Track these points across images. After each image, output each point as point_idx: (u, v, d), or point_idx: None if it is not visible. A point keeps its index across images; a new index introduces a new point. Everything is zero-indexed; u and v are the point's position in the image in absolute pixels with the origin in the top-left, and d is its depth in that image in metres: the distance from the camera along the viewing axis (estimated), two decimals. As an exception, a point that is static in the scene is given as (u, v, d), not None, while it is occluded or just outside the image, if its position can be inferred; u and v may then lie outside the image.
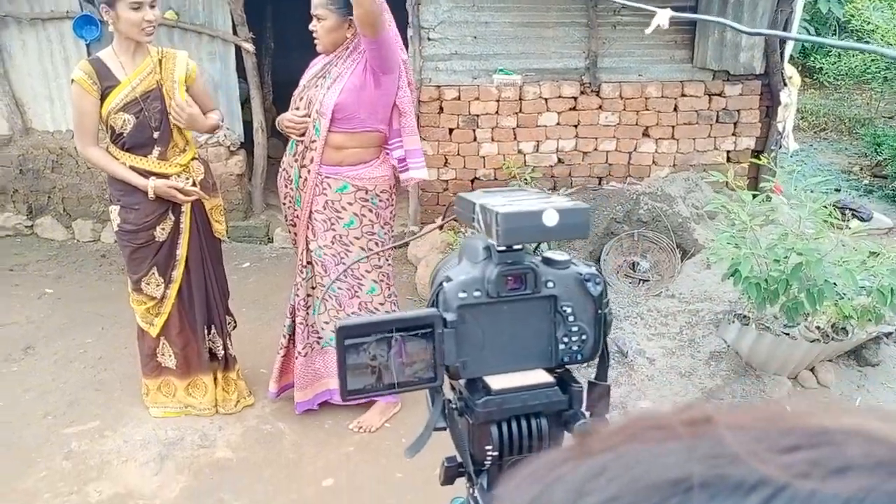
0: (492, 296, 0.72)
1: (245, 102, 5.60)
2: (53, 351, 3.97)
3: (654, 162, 5.31)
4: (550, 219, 0.69)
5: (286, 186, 3.03)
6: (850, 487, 0.24)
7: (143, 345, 3.20)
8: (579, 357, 0.76)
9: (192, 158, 3.03)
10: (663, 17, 1.70)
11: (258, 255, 5.41)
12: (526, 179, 5.04)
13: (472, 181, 5.34)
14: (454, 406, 0.76)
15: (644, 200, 4.90)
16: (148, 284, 3.03)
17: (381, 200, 2.93)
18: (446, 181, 5.33)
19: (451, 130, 5.20)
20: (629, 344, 3.81)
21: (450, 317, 0.71)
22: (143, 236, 2.95)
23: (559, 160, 5.32)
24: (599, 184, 5.35)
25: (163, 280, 3.04)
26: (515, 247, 0.72)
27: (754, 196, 3.65)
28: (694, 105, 5.19)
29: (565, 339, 0.75)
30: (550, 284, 0.74)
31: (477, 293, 0.72)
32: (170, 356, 3.18)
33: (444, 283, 0.73)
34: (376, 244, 2.96)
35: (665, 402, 3.50)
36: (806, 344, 3.43)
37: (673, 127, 5.24)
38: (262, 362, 3.76)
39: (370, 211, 2.92)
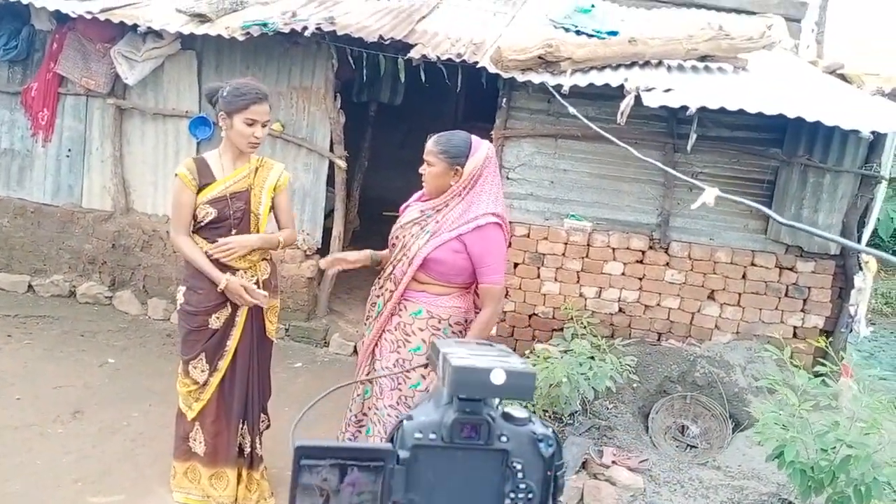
0: (446, 441, 0.78)
1: (329, 213, 5.91)
2: (100, 419, 4.12)
3: (716, 326, 5.24)
4: (498, 377, 0.76)
5: (370, 311, 3.08)
6: None
7: (180, 427, 3.30)
8: (524, 516, 0.80)
9: (262, 259, 3.22)
10: (710, 195, 1.78)
11: (312, 357, 5.53)
12: (584, 324, 5.05)
13: (531, 316, 5.38)
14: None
15: (701, 363, 4.81)
16: (194, 368, 3.16)
17: (453, 332, 2.90)
18: (504, 312, 5.39)
19: (515, 265, 5.32)
20: (664, 512, 3.64)
21: (403, 454, 0.77)
22: (198, 320, 3.11)
23: (620, 309, 5.32)
24: (658, 339, 5.30)
25: (208, 367, 3.17)
26: (475, 397, 0.79)
27: (815, 376, 3.54)
28: (763, 276, 5.15)
29: (512, 495, 0.79)
30: (504, 439, 0.79)
31: (433, 436, 0.78)
32: (200, 443, 3.26)
33: (405, 422, 0.79)
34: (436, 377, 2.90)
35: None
36: (853, 544, 3.20)
37: (739, 294, 5.19)
38: (290, 463, 3.77)
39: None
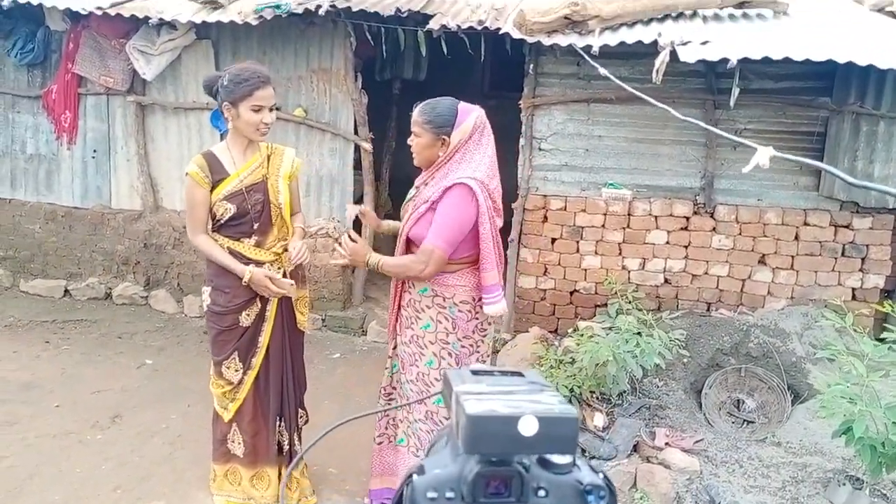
0: (467, 500, 0.61)
1: (359, 198, 5.76)
2: (139, 422, 4.07)
3: (769, 292, 4.96)
4: (528, 427, 0.58)
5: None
6: None
7: (217, 429, 3.21)
8: (573, 585, 0.63)
9: (286, 249, 3.08)
10: (764, 155, 1.56)
11: (350, 347, 5.42)
12: (629, 298, 4.83)
13: (572, 293, 5.18)
14: None
15: (755, 333, 4.57)
16: (228, 368, 3.06)
17: (461, 311, 2.81)
18: (544, 290, 5.20)
19: (553, 240, 5.11)
20: (723, 494, 3.44)
21: (414, 520, 0.60)
22: (228, 319, 3.00)
23: (666, 280, 5.08)
24: (708, 310, 5.05)
25: (242, 366, 3.06)
26: (499, 455, 0.61)
27: (879, 342, 3.29)
28: (817, 235, 4.85)
29: (557, 562, 0.62)
30: (542, 493, 0.62)
31: (450, 494, 0.61)
32: (239, 444, 3.16)
33: (414, 477, 0.62)
34: (449, 354, 2.85)
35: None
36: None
37: (793, 257, 4.90)
38: (331, 461, 3.69)
39: (446, 319, 2.82)
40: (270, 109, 2.85)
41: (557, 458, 0.64)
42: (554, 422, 0.59)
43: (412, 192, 2.91)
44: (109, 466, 3.63)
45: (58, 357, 4.88)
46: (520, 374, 0.68)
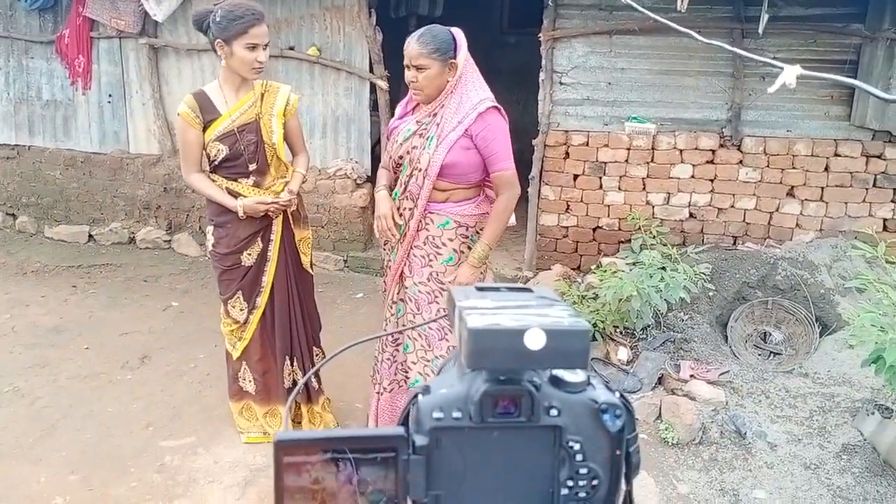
0: (475, 420, 0.58)
1: (378, 142, 5.69)
2: (167, 363, 4.13)
3: (797, 225, 4.86)
4: (534, 341, 0.54)
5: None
6: None
7: (229, 367, 3.27)
8: (588, 507, 0.60)
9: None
10: (791, 74, 1.47)
11: (373, 287, 5.43)
12: (653, 233, 4.76)
13: (595, 229, 5.11)
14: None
15: (782, 266, 4.49)
16: (233, 307, 3.09)
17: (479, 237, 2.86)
18: (566, 227, 5.14)
19: (575, 177, 5.02)
20: (749, 424, 3.44)
21: (420, 440, 0.58)
22: (230, 259, 3.01)
23: (691, 215, 4.99)
24: (734, 244, 4.96)
25: (247, 305, 3.09)
26: (503, 369, 0.58)
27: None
28: (848, 166, 4.71)
29: (570, 483, 0.59)
30: (554, 412, 0.59)
31: (457, 414, 0.58)
32: (250, 381, 3.21)
33: (420, 397, 0.59)
34: None
35: (784, 494, 3.11)
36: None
37: (822, 188, 4.78)
38: (358, 396, 3.72)
39: (469, 248, 2.85)
40: (264, 48, 2.78)
41: (570, 377, 0.60)
42: (563, 335, 0.55)
43: (410, 127, 2.80)
44: (140, 405, 3.70)
45: (85, 301, 4.95)
46: (528, 290, 0.65)
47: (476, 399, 0.57)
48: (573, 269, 5.10)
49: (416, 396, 0.60)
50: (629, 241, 4.93)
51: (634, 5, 3.80)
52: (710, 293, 4.37)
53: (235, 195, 2.93)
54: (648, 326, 4.19)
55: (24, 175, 6.10)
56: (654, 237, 4.71)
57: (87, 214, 6.02)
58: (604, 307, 4.08)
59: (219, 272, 3.09)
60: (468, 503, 0.60)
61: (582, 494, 0.60)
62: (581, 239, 5.15)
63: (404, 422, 0.60)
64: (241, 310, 3.10)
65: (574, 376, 0.61)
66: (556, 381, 0.60)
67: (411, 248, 2.89)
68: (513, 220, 2.96)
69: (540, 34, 4.89)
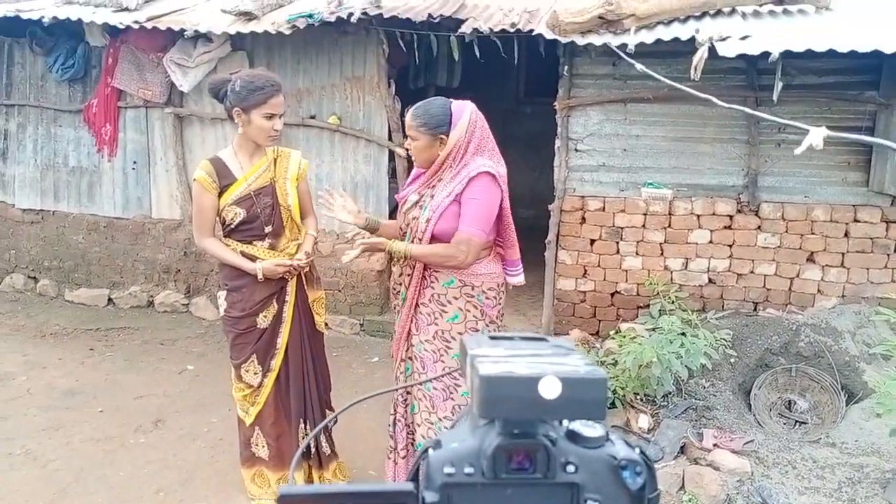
0: (488, 476, 0.56)
1: (395, 208, 5.75)
2: (180, 426, 4.09)
3: (819, 291, 4.80)
4: (550, 389, 0.53)
5: (395, 300, 3.04)
6: None
7: (241, 433, 3.22)
8: (608, 569, 0.57)
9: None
10: (817, 135, 1.48)
11: (388, 351, 5.35)
12: (671, 299, 4.71)
13: (613, 294, 5.08)
14: None
15: (805, 332, 4.41)
16: (247, 371, 3.06)
17: (487, 298, 2.86)
18: (584, 292, 5.11)
19: (592, 242, 5.02)
20: (775, 496, 3.31)
21: (430, 497, 0.56)
22: (245, 322, 3.00)
23: (710, 280, 4.95)
24: (755, 310, 4.90)
25: (261, 368, 3.07)
26: (517, 419, 0.56)
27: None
28: (868, 232, 4.68)
29: (589, 545, 0.56)
30: (571, 468, 0.57)
31: (469, 470, 0.56)
32: (263, 447, 3.16)
33: (430, 452, 0.57)
34: None
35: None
36: None
37: (843, 254, 4.73)
38: (372, 464, 3.65)
39: (475, 307, 2.84)
40: (280, 116, 2.87)
41: (588, 432, 0.58)
42: (579, 383, 0.54)
43: (412, 198, 2.87)
44: (152, 469, 3.65)
45: (101, 364, 4.95)
46: (543, 339, 0.63)
47: (489, 453, 0.56)
48: (591, 334, 5.04)
49: (426, 451, 0.58)
50: (647, 306, 4.88)
51: (648, 71, 3.89)
52: (732, 360, 4.29)
53: (251, 258, 2.96)
54: (669, 394, 4.11)
55: (48, 239, 6.21)
56: (672, 302, 4.67)
57: (107, 278, 6.09)
58: (623, 373, 4.01)
59: (232, 336, 3.07)
60: (481, 565, 0.57)
61: (601, 557, 0.57)
62: (599, 304, 5.11)
63: (414, 477, 0.58)
64: (255, 373, 3.08)
65: (592, 431, 0.59)
66: (574, 436, 0.58)
67: (416, 306, 2.90)
68: (522, 280, 3.02)
69: (555, 103, 4.98)
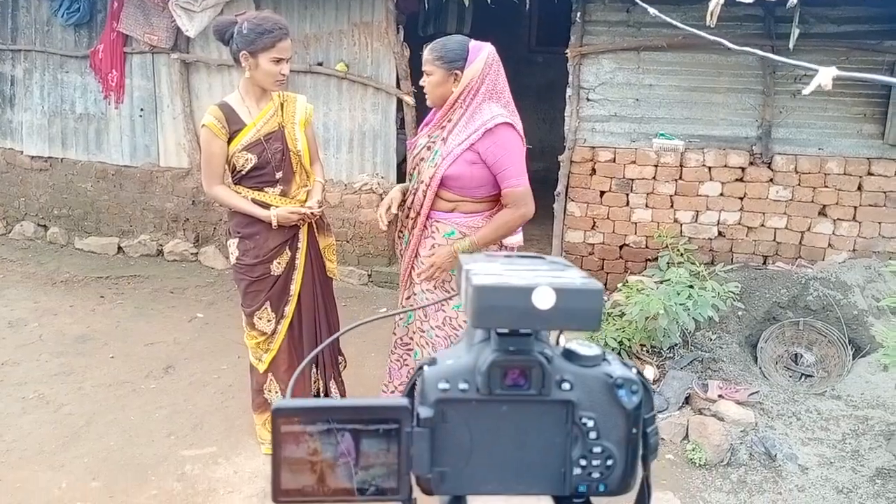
0: (483, 392, 0.55)
1: (403, 160, 5.70)
2: (190, 373, 4.14)
3: (829, 245, 4.76)
4: (544, 300, 0.52)
5: (398, 244, 3.04)
6: None
7: (253, 380, 3.25)
8: (601, 488, 0.57)
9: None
10: (826, 75, 1.44)
11: (396, 302, 5.40)
12: (680, 251, 4.69)
13: (621, 247, 5.06)
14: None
15: (814, 286, 4.39)
16: (260, 319, 3.07)
17: (487, 251, 2.81)
18: (592, 245, 5.09)
19: (601, 193, 4.98)
20: (779, 446, 3.34)
21: (424, 412, 0.55)
22: (259, 269, 3.00)
23: (720, 233, 4.92)
24: (764, 263, 4.87)
25: (274, 315, 3.07)
26: (522, 329, 0.55)
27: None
28: (882, 185, 4.61)
29: (583, 462, 0.56)
30: (567, 386, 0.56)
31: (464, 386, 0.55)
32: (276, 393, 3.19)
33: (425, 369, 0.57)
34: None
35: (817, 521, 3.01)
36: None
37: (855, 208, 4.68)
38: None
39: None
40: (287, 61, 2.82)
41: (585, 351, 0.57)
42: (574, 294, 0.52)
43: (422, 140, 2.84)
44: (163, 414, 3.71)
45: (112, 311, 5.00)
46: (540, 257, 0.62)
47: (484, 369, 0.55)
48: (599, 286, 5.03)
49: (421, 368, 0.57)
50: (656, 259, 4.86)
51: (668, 19, 3.78)
52: (740, 313, 4.29)
53: (262, 205, 2.94)
54: (676, 345, 4.11)
55: (56, 187, 6.22)
56: (681, 255, 4.65)
57: (116, 226, 6.11)
58: (630, 325, 4.01)
59: (245, 284, 3.06)
60: (474, 481, 0.57)
61: (595, 475, 0.56)
62: (607, 256, 5.09)
63: (409, 393, 0.57)
64: (269, 320, 3.09)
65: (589, 350, 0.58)
66: (570, 355, 0.57)
67: (417, 255, 2.89)
68: (520, 240, 2.93)
69: (567, 51, 4.89)
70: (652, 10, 3.83)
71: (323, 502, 0.55)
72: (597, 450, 0.56)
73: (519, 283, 0.52)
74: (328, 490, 0.54)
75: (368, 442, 0.54)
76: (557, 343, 0.59)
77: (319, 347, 0.74)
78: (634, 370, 0.58)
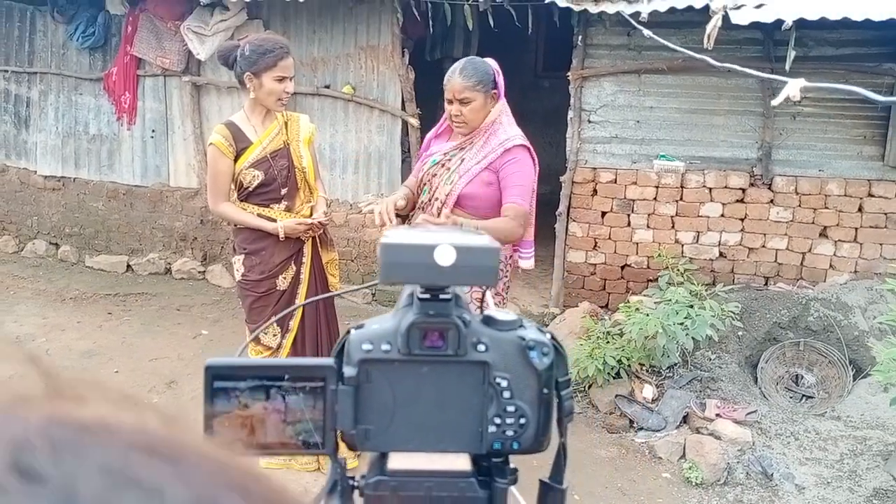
0: (403, 352, 0.59)
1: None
2: (192, 389, 4.18)
3: (831, 266, 4.76)
4: (445, 256, 0.56)
5: None
6: None
7: None
8: (515, 445, 0.61)
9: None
10: (794, 87, 1.49)
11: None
12: (681, 271, 4.71)
13: (623, 267, 5.08)
14: (355, 483, 0.62)
15: (815, 307, 4.39)
16: (265, 334, 3.11)
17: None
18: (594, 265, 5.11)
19: (603, 214, 5.02)
20: (776, 466, 3.33)
21: (349, 371, 0.59)
22: (265, 285, 3.05)
23: (721, 254, 4.93)
24: (765, 284, 4.88)
25: (280, 330, 3.12)
26: (442, 295, 0.60)
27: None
28: (883, 207, 4.62)
29: (497, 420, 0.60)
30: (482, 348, 0.60)
31: (386, 347, 0.60)
32: None
33: (352, 331, 0.61)
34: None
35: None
36: None
37: (856, 229, 4.69)
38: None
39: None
40: (291, 79, 2.90)
41: (502, 316, 0.62)
42: (472, 251, 0.57)
43: (437, 157, 2.83)
44: (162, 428, 3.75)
45: (119, 327, 5.07)
46: (471, 231, 0.66)
47: (403, 330, 0.59)
48: (601, 306, 5.05)
49: (348, 332, 0.62)
50: (657, 279, 4.88)
51: (667, 43, 3.86)
52: (739, 333, 4.29)
53: (268, 220, 3.00)
54: (675, 365, 4.12)
55: (68, 206, 6.33)
56: (682, 275, 4.66)
57: (126, 245, 6.20)
58: (629, 344, 4.03)
59: (251, 300, 3.11)
60: (397, 438, 0.61)
61: (510, 433, 0.60)
62: (609, 276, 5.12)
63: (338, 355, 0.62)
64: (275, 335, 3.13)
65: (506, 316, 0.62)
66: (488, 320, 0.61)
67: None
68: (531, 265, 2.96)
69: (569, 74, 4.96)
70: (646, 33, 3.92)
71: (253, 455, 0.59)
72: (510, 408, 0.60)
73: (422, 241, 0.57)
74: (256, 444, 0.59)
75: (296, 399, 0.59)
76: (481, 311, 0.63)
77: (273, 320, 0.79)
78: (549, 335, 0.62)
